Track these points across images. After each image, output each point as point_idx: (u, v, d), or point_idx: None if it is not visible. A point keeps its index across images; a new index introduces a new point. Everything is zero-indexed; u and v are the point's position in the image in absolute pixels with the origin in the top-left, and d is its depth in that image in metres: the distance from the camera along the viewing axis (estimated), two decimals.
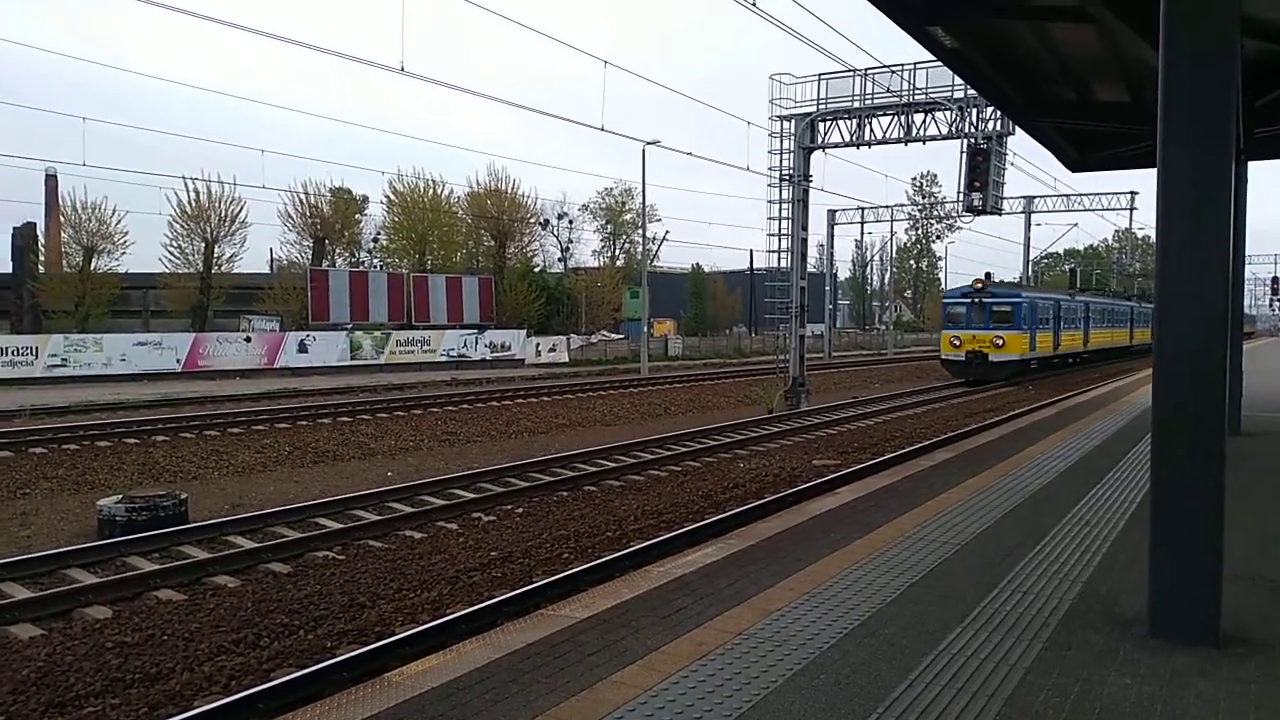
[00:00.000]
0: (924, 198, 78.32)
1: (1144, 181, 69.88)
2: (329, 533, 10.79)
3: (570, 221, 70.99)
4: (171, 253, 43.84)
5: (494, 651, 5.18)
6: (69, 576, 9.29)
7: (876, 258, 62.94)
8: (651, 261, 62.29)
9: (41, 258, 45.49)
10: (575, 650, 5.15)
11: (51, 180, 46.70)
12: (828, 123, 35.64)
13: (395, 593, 8.78)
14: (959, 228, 77.34)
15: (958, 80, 28.64)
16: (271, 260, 57.39)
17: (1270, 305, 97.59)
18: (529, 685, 4.65)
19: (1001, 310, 36.73)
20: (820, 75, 34.85)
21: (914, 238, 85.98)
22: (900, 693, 4.50)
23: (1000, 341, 36.08)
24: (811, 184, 36.16)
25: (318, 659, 7.11)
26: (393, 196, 52.35)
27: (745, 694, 4.49)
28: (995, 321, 36.54)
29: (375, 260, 56.21)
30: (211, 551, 10.16)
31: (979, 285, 37.50)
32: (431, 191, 52.81)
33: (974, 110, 31.61)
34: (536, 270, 58.76)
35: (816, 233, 53.57)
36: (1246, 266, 17.31)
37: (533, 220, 58.73)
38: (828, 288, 61.64)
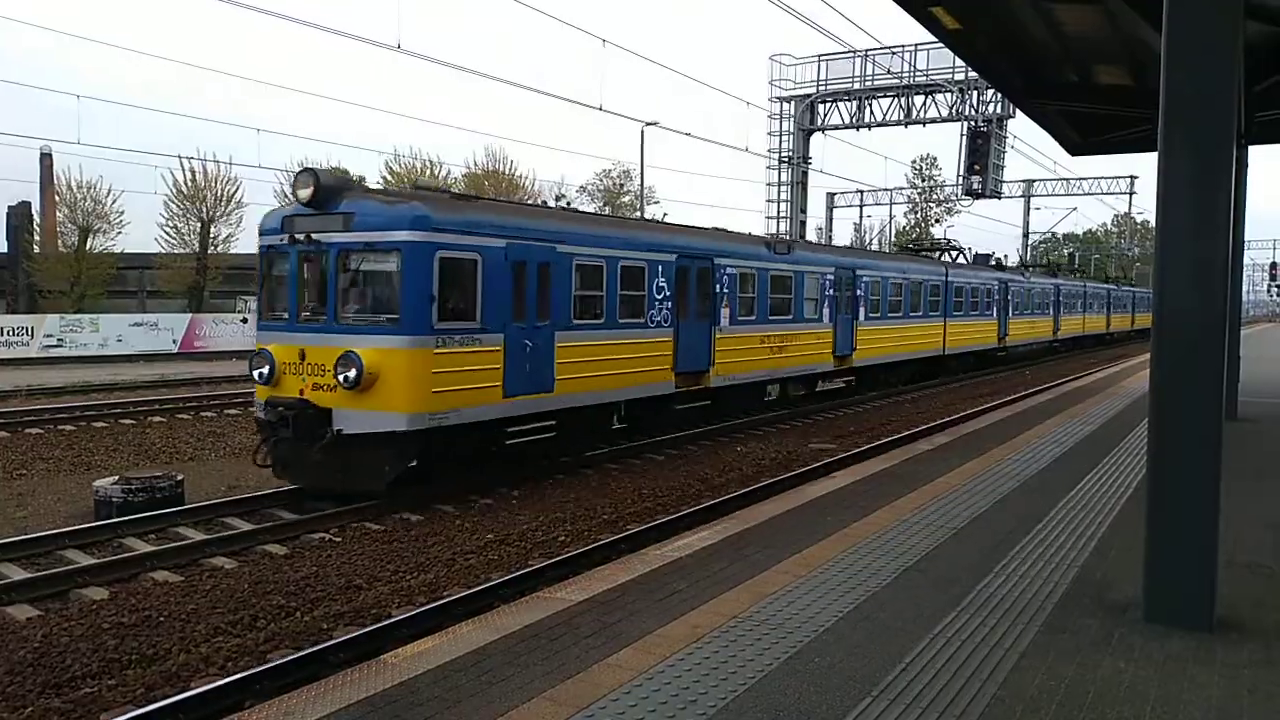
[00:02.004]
0: (923, 181, 78.09)
1: (1144, 165, 69.85)
2: (325, 514, 10.78)
3: (568, 203, 70.79)
4: (167, 233, 43.66)
5: (490, 634, 5.19)
6: (66, 557, 9.28)
7: (875, 241, 62.65)
8: None
9: (36, 237, 45.29)
10: (571, 633, 5.16)
11: (46, 159, 46.40)
12: (827, 104, 35.54)
13: (392, 575, 8.78)
14: (958, 211, 77.11)
15: (958, 62, 28.55)
16: None
17: (1268, 291, 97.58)
18: (524, 667, 4.66)
19: (372, 271, 11.69)
20: (820, 56, 34.72)
21: (913, 221, 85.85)
22: (895, 676, 4.51)
23: (351, 375, 10.75)
24: (810, 166, 36.08)
25: (314, 640, 7.12)
26: (389, 177, 52.14)
27: (740, 677, 4.50)
28: (348, 309, 11.55)
29: None
30: (208, 533, 10.15)
31: (319, 191, 11.34)
32: (429, 172, 52.60)
33: (974, 93, 31.52)
34: None
35: (815, 215, 53.37)
36: (1245, 252, 17.28)
37: (530, 202, 58.53)
38: None
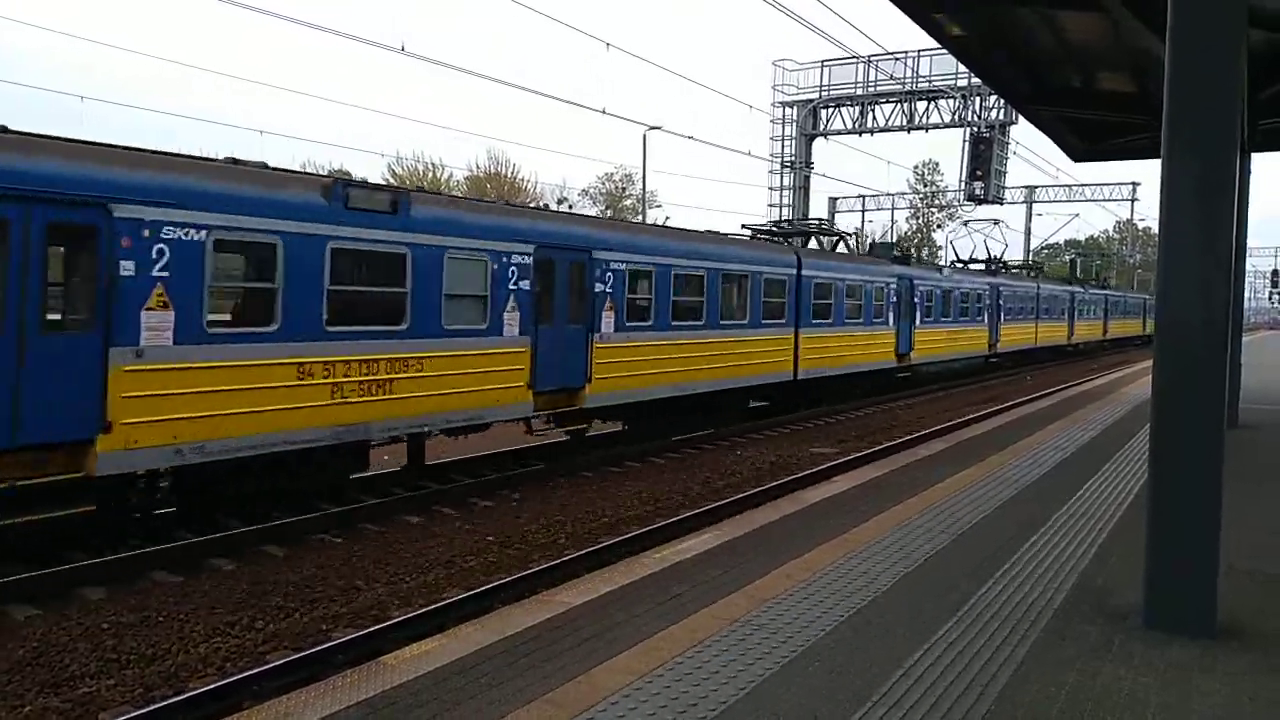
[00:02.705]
0: (925, 186, 78.16)
1: (1147, 172, 69.76)
2: (326, 515, 10.77)
3: (570, 206, 70.84)
4: None
5: (490, 636, 5.19)
6: (65, 556, 9.26)
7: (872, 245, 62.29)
8: None
9: None
10: (571, 635, 5.16)
11: None
12: (830, 109, 35.63)
13: (391, 576, 8.78)
14: (960, 217, 77.21)
15: (961, 68, 28.58)
16: None
17: (1270, 298, 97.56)
18: (525, 670, 4.66)
19: None
20: (824, 62, 34.81)
21: (915, 226, 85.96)
22: (894, 682, 4.51)
23: None
24: (813, 170, 36.15)
25: (313, 641, 7.12)
26: (392, 180, 52.28)
27: (740, 681, 4.49)
28: None
29: None
30: (207, 533, 10.12)
31: None
32: (431, 175, 52.72)
33: (977, 99, 31.60)
34: None
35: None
36: (1247, 259, 17.30)
37: (532, 205, 58.66)
38: None
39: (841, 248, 25.16)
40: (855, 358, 22.22)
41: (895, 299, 24.03)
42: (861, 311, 22.37)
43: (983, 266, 35.78)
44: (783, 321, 18.99)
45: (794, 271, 19.45)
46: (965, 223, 43.42)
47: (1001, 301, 32.57)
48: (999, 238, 42.38)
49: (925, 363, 26.68)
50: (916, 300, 25.28)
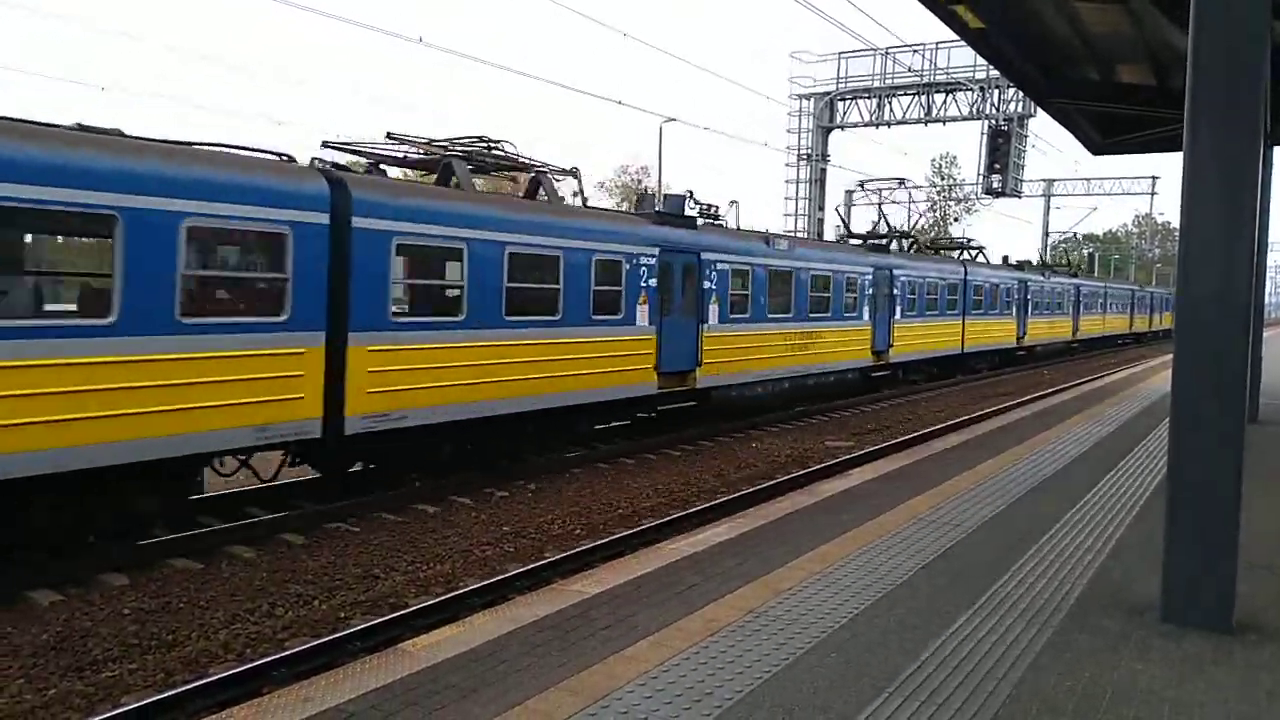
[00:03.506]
0: (943, 179, 77.68)
1: (1166, 166, 69.05)
2: (343, 505, 10.84)
3: (586, 199, 70.86)
4: None
5: (507, 624, 5.23)
6: (87, 543, 9.37)
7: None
8: None
9: None
10: (587, 625, 5.20)
11: None
12: (847, 102, 35.46)
13: (409, 565, 8.85)
14: (977, 210, 76.70)
15: (979, 60, 28.36)
16: None
17: None
18: (541, 658, 4.70)
19: None
20: (840, 53, 34.65)
21: (931, 219, 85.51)
22: (910, 674, 4.52)
23: None
24: (829, 163, 36.01)
25: (332, 629, 7.19)
26: (410, 171, 52.35)
27: (756, 671, 4.52)
28: None
29: None
30: (227, 521, 10.23)
31: None
32: None
33: (995, 91, 31.36)
34: None
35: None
36: (1268, 253, 17.12)
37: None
38: None
39: (542, 194, 14.49)
40: (532, 386, 12.36)
41: (657, 283, 14.76)
42: (560, 303, 12.82)
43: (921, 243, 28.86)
44: (277, 320, 9.34)
45: (305, 219, 9.46)
46: (862, 184, 31.03)
47: (898, 290, 23.30)
48: (903, 201, 31.27)
49: (733, 384, 17.00)
50: (712, 285, 16.19)
